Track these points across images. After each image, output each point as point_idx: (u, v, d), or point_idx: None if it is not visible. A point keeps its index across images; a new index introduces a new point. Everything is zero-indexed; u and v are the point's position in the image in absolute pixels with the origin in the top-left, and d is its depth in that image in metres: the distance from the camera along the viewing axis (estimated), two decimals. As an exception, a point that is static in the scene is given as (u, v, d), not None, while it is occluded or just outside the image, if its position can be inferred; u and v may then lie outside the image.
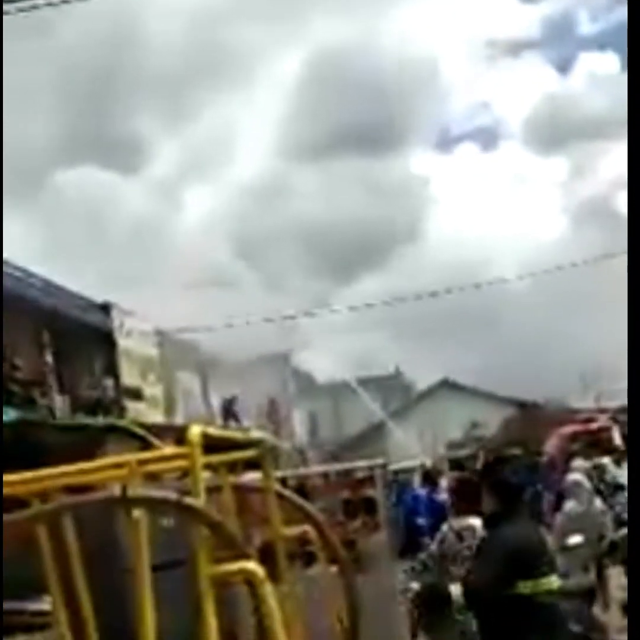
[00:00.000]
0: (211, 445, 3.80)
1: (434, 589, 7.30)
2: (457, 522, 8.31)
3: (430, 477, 21.31)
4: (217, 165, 70.34)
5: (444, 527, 8.53)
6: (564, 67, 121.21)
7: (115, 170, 76.70)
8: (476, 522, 7.71)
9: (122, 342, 26.10)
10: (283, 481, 8.00)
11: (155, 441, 6.32)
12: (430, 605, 7.48)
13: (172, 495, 3.38)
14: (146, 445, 6.25)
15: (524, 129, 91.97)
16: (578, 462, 14.51)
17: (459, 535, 8.19)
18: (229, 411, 29.24)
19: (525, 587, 6.16)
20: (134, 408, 25.16)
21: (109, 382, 24.84)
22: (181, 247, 56.68)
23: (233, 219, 64.17)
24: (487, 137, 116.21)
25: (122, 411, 23.92)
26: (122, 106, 58.19)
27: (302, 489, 9.53)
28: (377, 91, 61.88)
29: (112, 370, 25.36)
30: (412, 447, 35.87)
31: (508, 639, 6.32)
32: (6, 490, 3.81)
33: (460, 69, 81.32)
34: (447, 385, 49.23)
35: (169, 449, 4.13)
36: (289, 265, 67.36)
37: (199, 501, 3.34)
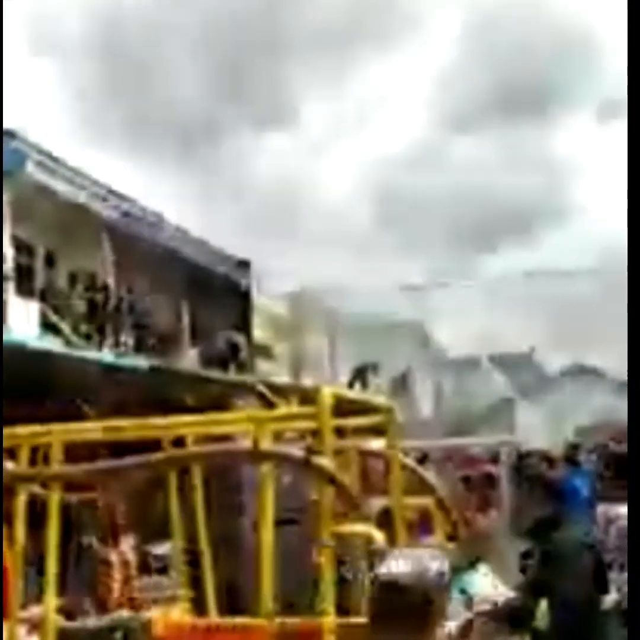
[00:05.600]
0: (338, 408, 3.82)
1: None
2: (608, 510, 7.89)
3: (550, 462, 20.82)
4: (368, 128, 70.18)
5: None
6: None
7: (267, 129, 77.51)
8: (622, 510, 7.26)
9: (257, 300, 26.50)
10: (405, 452, 7.96)
11: (278, 401, 6.41)
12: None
13: (301, 453, 3.42)
14: (270, 405, 6.34)
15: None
16: None
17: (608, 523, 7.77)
18: (358, 376, 29.19)
19: None
20: (262, 366, 25.55)
21: (241, 339, 25.26)
22: (324, 208, 56.97)
23: (379, 184, 64.05)
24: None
25: (251, 369, 24.33)
26: (280, 62, 58.69)
27: (422, 461, 9.49)
28: (535, 57, 60.14)
29: (244, 327, 25.80)
30: (538, 429, 35.23)
31: None
32: (140, 434, 3.93)
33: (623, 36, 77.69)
34: (581, 369, 47.91)
35: (299, 408, 4.17)
36: (430, 234, 66.79)
37: (327, 462, 3.37)
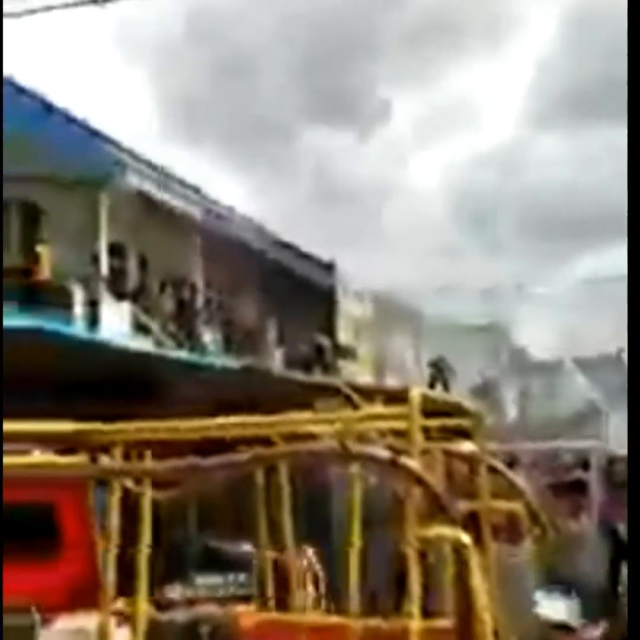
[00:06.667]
0: (425, 410, 3.82)
1: None
2: None
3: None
4: (454, 129, 69.68)
5: None
6: None
7: (350, 129, 77.65)
8: None
9: (342, 302, 26.58)
10: (493, 455, 7.89)
11: (362, 403, 6.42)
12: None
13: (387, 453, 3.43)
14: (354, 406, 6.35)
15: None
16: None
17: None
18: (435, 371, 28.90)
19: None
20: (346, 367, 25.61)
21: (325, 341, 25.37)
22: (408, 210, 56.74)
23: (465, 186, 63.51)
24: None
25: (335, 370, 24.41)
26: (367, 63, 58.64)
27: (511, 465, 9.37)
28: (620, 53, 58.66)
29: (329, 328, 25.90)
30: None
31: None
32: (229, 432, 3.99)
33: None
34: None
35: (388, 408, 4.18)
36: (516, 236, 65.93)
37: (415, 462, 3.37)
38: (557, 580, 5.39)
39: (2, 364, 5.38)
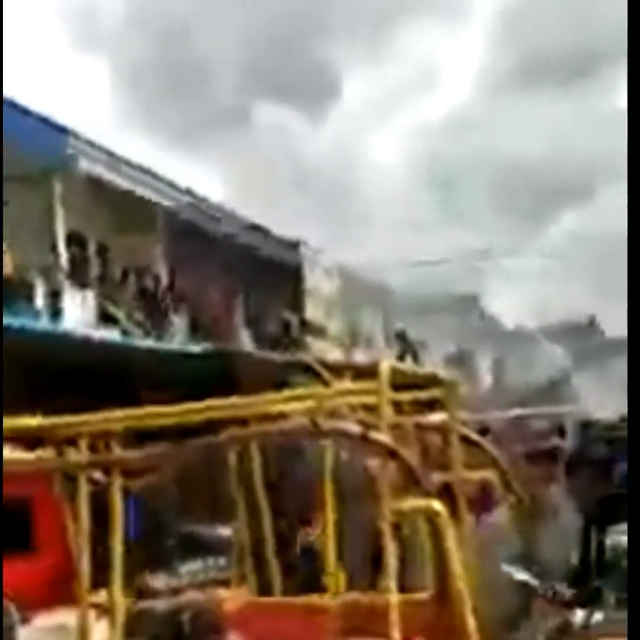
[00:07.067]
0: (395, 383, 3.79)
1: None
2: None
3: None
4: (412, 101, 69.53)
5: None
6: None
7: (309, 105, 77.23)
8: None
9: (309, 279, 26.53)
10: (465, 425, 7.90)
11: (332, 379, 6.39)
12: None
13: (358, 428, 3.40)
14: (324, 383, 6.33)
15: None
16: None
17: None
18: (405, 345, 28.94)
19: None
20: (315, 344, 25.60)
21: (293, 318, 25.34)
22: (371, 184, 56.69)
23: (426, 156, 63.52)
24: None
25: (304, 346, 24.40)
26: (320, 37, 58.17)
27: (483, 435, 9.40)
28: (584, 15, 58.72)
29: (296, 306, 25.86)
30: (604, 399, 34.74)
31: None
32: (201, 416, 3.95)
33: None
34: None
35: (358, 383, 4.15)
36: (482, 204, 66.08)
37: (385, 436, 3.35)
38: (522, 548, 5.42)
39: (2, 366, 5.29)
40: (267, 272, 23.99)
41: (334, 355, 26.08)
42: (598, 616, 5.47)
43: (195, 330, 18.86)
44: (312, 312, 26.78)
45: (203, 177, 54.50)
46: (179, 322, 18.53)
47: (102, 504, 4.02)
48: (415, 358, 27.72)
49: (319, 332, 26.74)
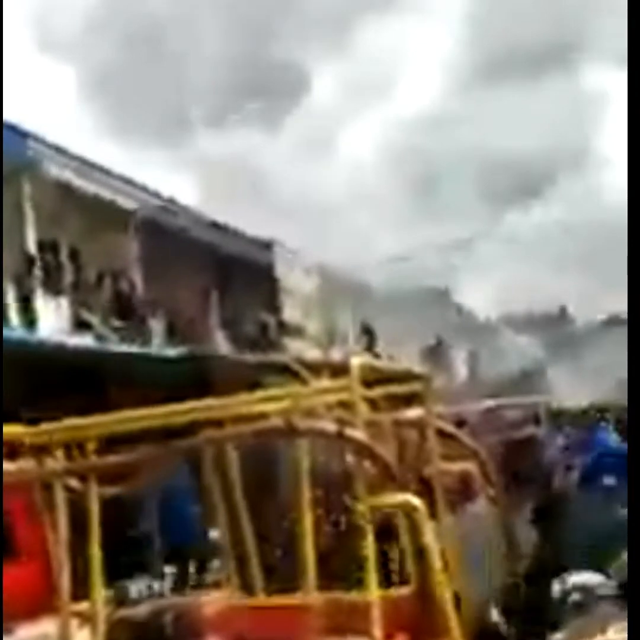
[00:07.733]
0: (370, 380, 3.79)
1: None
2: None
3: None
4: (382, 96, 69.58)
5: None
6: None
7: (276, 102, 77.12)
8: None
9: (284, 279, 26.50)
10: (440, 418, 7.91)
11: (310, 378, 6.39)
12: None
13: (334, 427, 3.40)
14: (302, 382, 6.32)
15: None
16: None
17: None
18: (367, 336, 29.10)
19: None
20: (293, 344, 25.59)
21: (270, 319, 25.31)
22: (342, 180, 56.64)
23: (398, 151, 63.67)
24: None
25: (281, 347, 24.38)
26: (288, 32, 57.81)
27: (459, 427, 9.42)
28: (553, 7, 59.04)
29: (273, 307, 25.83)
30: (576, 387, 34.99)
31: None
32: (176, 420, 3.93)
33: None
34: (617, 323, 47.37)
35: (329, 382, 4.15)
36: (454, 196, 66.30)
37: (360, 433, 3.34)
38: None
39: (1, 369, 5.25)
40: (243, 274, 23.96)
41: (313, 354, 26.10)
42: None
43: (172, 333, 18.80)
44: (290, 312, 26.76)
45: (174, 179, 54.36)
46: (156, 326, 18.47)
47: (82, 512, 4.00)
48: (371, 345, 27.84)
49: (297, 332, 26.74)
